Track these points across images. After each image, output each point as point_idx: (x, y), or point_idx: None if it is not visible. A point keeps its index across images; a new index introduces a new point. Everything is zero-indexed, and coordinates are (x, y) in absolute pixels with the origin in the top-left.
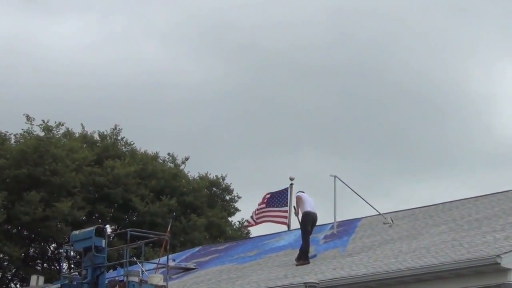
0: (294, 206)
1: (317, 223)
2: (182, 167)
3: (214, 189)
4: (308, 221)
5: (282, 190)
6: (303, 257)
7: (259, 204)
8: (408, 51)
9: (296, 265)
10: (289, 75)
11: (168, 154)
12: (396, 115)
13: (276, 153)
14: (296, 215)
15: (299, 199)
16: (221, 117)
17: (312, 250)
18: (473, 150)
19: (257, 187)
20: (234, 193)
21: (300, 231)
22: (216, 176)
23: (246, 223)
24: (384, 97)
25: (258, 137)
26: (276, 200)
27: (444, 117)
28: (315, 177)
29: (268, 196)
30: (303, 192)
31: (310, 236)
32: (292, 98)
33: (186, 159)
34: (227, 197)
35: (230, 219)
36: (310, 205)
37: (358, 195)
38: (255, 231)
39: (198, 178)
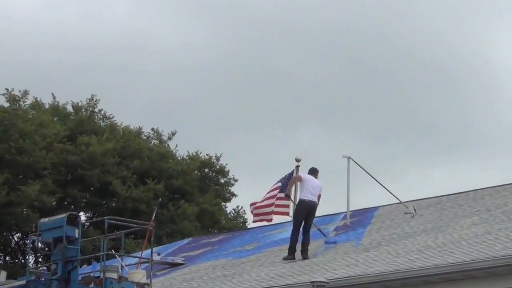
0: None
1: (328, 212)
2: (168, 143)
3: (206, 170)
4: (301, 211)
5: (287, 175)
6: (289, 252)
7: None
8: (421, 14)
9: (283, 259)
10: (284, 39)
11: (152, 129)
12: (409, 87)
13: (273, 129)
14: (289, 200)
15: (296, 181)
16: (207, 87)
17: (319, 244)
18: (497, 128)
19: (255, 168)
20: (230, 175)
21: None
22: (208, 155)
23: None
24: (394, 66)
25: (251, 111)
26: (282, 186)
27: (464, 91)
28: (316, 157)
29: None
30: (314, 171)
31: (316, 230)
32: (289, 66)
33: (173, 134)
34: (222, 181)
35: (225, 206)
36: (308, 191)
37: (376, 180)
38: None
39: (187, 158)
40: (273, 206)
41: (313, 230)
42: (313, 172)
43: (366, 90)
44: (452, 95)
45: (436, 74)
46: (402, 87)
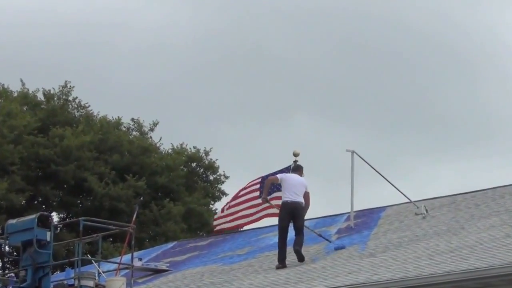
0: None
1: (330, 213)
2: (150, 136)
3: (193, 166)
4: (284, 215)
5: (284, 169)
6: (279, 260)
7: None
8: None
9: (276, 267)
10: (278, 18)
11: (132, 119)
12: (419, 74)
13: (265, 120)
14: (265, 201)
15: (270, 183)
16: (191, 72)
17: (319, 248)
18: None
19: (247, 163)
20: (220, 171)
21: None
22: (196, 149)
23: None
24: (402, 50)
25: (241, 99)
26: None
27: (480, 79)
28: (315, 152)
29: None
30: (298, 168)
31: (321, 234)
32: (283, 49)
33: (155, 124)
34: (211, 178)
35: (214, 206)
36: (290, 191)
37: (384, 177)
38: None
39: (172, 152)
40: (260, 208)
41: (310, 234)
42: (297, 169)
43: (371, 77)
44: (468, 83)
45: (450, 59)
46: (411, 74)
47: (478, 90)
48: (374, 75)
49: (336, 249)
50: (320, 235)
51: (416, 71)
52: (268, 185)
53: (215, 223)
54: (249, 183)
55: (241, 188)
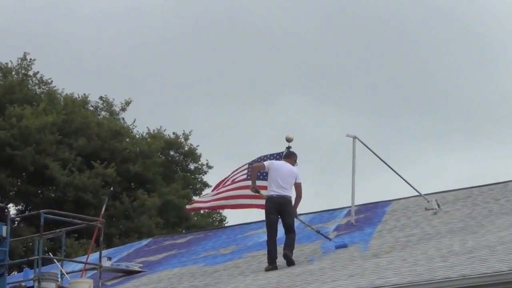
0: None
1: (327, 207)
2: (123, 118)
3: (172, 153)
4: (270, 211)
5: (272, 155)
6: (268, 261)
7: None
8: None
9: (265, 270)
10: None
11: (101, 98)
12: (426, 49)
13: (249, 101)
14: (255, 191)
15: (256, 170)
16: (167, 45)
17: (316, 248)
18: None
19: (231, 151)
20: (202, 160)
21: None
22: (175, 134)
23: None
24: (406, 22)
25: (220, 76)
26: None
27: (495, 56)
28: (304, 137)
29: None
30: (290, 155)
31: (315, 231)
32: (266, 20)
33: (127, 103)
34: (192, 166)
35: (195, 198)
36: (276, 184)
37: (390, 167)
38: (232, 217)
39: (147, 136)
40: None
41: (306, 231)
42: (288, 156)
43: (370, 51)
44: (483, 63)
45: (463, 34)
46: (417, 51)
47: (495, 71)
48: (375, 50)
49: (337, 247)
50: (318, 232)
51: (424, 47)
52: (255, 173)
53: (188, 207)
54: (236, 170)
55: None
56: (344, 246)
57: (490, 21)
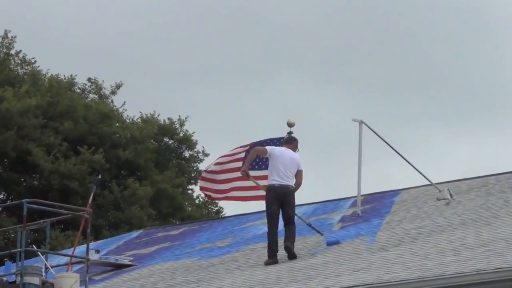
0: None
1: (331, 197)
2: (112, 100)
3: (166, 139)
4: (271, 201)
5: (272, 140)
6: (269, 255)
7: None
8: None
9: (264, 263)
10: None
11: (89, 80)
12: (432, 29)
13: (244, 82)
14: (244, 175)
15: (255, 154)
16: (161, 24)
17: (319, 241)
18: None
19: (228, 137)
20: (198, 147)
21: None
22: (170, 120)
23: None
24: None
25: (217, 58)
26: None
27: (507, 36)
28: (306, 121)
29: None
30: (291, 141)
31: (311, 223)
32: None
33: (118, 86)
34: (187, 154)
35: (190, 188)
36: (278, 172)
37: (400, 154)
38: (230, 208)
39: (139, 121)
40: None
41: (318, 219)
42: (289, 142)
43: (376, 31)
44: (493, 43)
45: (473, 15)
46: (426, 29)
47: (505, 52)
48: (380, 30)
49: (329, 244)
50: (309, 225)
51: (433, 28)
52: (253, 156)
53: (201, 184)
54: (234, 150)
55: (225, 154)
56: (336, 243)
57: (498, 2)
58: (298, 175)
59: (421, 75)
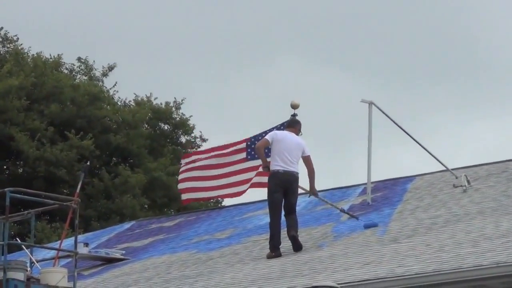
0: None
1: (339, 184)
2: (103, 81)
3: (160, 124)
4: (275, 188)
5: (278, 125)
6: (271, 248)
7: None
8: None
9: (266, 257)
10: None
11: (79, 59)
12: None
13: (244, 63)
14: (267, 170)
15: (262, 147)
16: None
17: (326, 231)
18: None
19: (227, 121)
20: (196, 132)
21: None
22: (167, 103)
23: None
24: None
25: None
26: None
27: None
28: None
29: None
30: (293, 124)
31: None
32: None
33: (110, 68)
34: (183, 139)
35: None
36: (282, 157)
37: (412, 137)
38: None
39: (133, 104)
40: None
41: (315, 211)
42: (292, 125)
43: (384, 8)
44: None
45: None
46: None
47: None
48: (389, 6)
49: (366, 227)
50: (343, 211)
51: (445, 4)
52: (262, 152)
53: (180, 186)
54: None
55: (216, 147)
56: (374, 225)
57: None
58: (307, 161)
59: (432, 55)
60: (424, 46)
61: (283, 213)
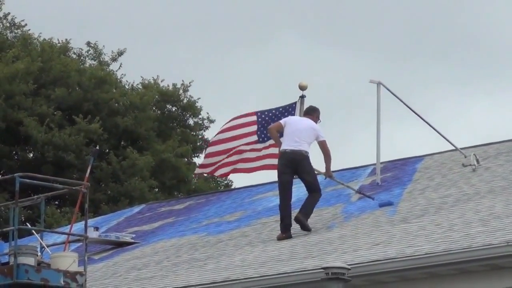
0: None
1: (348, 165)
2: (112, 66)
3: (168, 106)
4: (283, 169)
5: (285, 108)
6: (282, 229)
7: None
8: None
9: (277, 238)
10: None
11: (88, 44)
12: None
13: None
14: None
15: (275, 130)
16: None
17: (336, 212)
18: None
19: (235, 102)
20: (203, 114)
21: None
22: (174, 86)
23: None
24: None
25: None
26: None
27: None
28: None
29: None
30: (311, 111)
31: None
32: None
33: (120, 53)
34: (191, 121)
35: (195, 157)
36: (291, 138)
37: (421, 117)
38: (239, 179)
39: (140, 87)
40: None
41: (325, 192)
42: (310, 113)
43: None
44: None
45: None
46: None
47: None
48: None
49: (381, 206)
50: (359, 192)
51: None
52: (276, 135)
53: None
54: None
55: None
56: (389, 204)
57: None
58: (323, 146)
59: (437, 33)
60: (423, 25)
61: (298, 193)
